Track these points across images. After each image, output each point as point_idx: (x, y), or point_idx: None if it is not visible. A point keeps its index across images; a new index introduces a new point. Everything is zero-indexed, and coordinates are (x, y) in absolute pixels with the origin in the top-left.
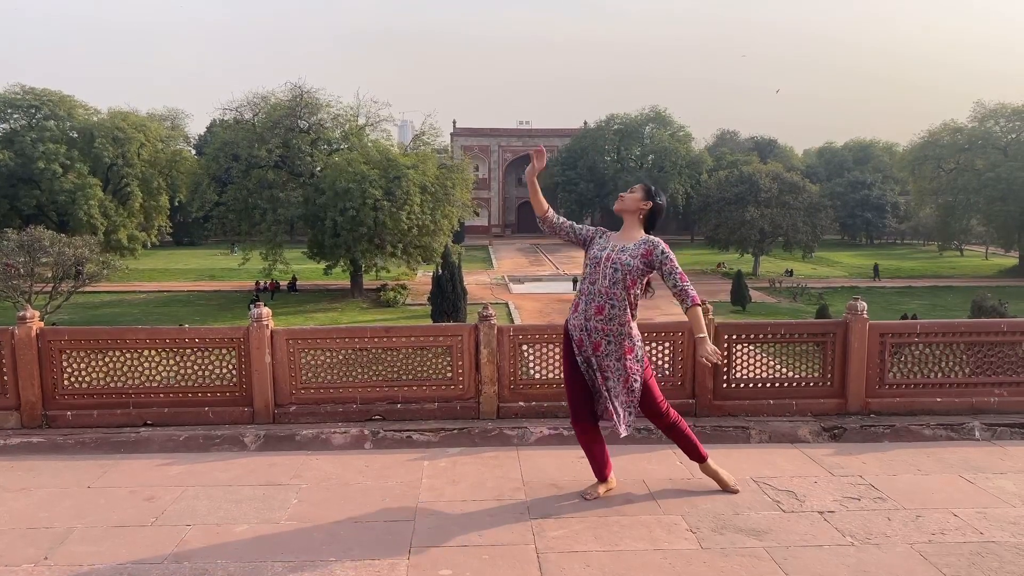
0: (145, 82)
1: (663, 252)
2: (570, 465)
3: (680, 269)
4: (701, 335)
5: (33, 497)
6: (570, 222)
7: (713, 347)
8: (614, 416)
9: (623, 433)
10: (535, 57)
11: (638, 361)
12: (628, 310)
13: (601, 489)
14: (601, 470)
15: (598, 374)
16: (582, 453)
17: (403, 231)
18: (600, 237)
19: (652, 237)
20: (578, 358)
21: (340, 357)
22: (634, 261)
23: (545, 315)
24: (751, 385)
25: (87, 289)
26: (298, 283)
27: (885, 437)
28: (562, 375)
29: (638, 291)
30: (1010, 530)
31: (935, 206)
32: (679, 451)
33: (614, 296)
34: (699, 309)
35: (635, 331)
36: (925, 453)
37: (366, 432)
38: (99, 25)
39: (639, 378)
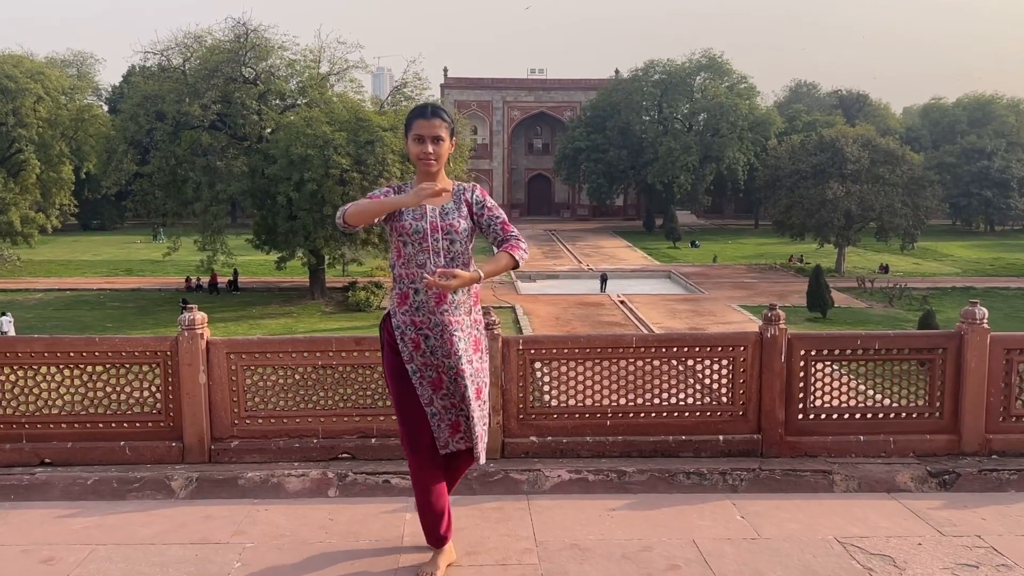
0: (44, 18)
1: (478, 196)
2: (597, 520)
3: (503, 215)
4: (476, 269)
5: None
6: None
7: (454, 276)
8: (475, 439)
9: (482, 460)
10: None
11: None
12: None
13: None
14: (447, 528)
15: (453, 384)
16: (613, 504)
17: None
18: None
19: (457, 181)
20: (409, 366)
21: (297, 377)
22: (464, 222)
23: (564, 323)
24: (835, 416)
25: None
26: (241, 280)
27: (1011, 485)
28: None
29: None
30: None
31: None
32: (739, 502)
33: None
34: (511, 258)
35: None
36: None
37: (330, 475)
38: None
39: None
